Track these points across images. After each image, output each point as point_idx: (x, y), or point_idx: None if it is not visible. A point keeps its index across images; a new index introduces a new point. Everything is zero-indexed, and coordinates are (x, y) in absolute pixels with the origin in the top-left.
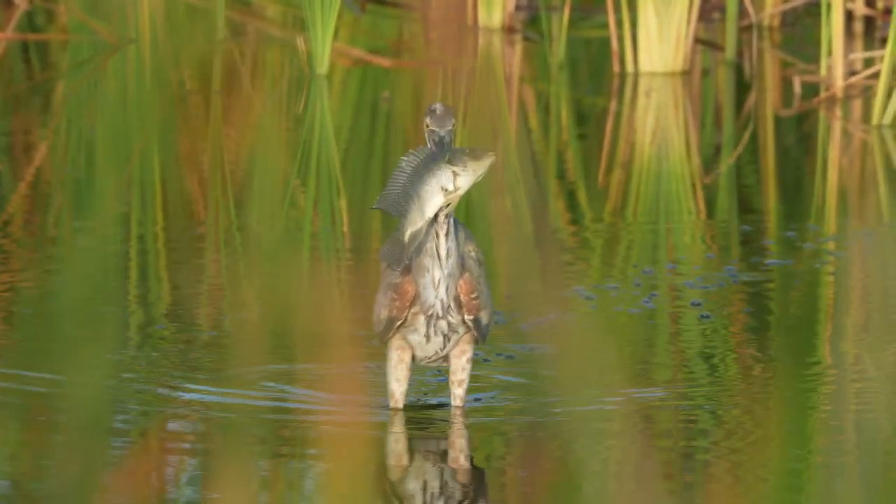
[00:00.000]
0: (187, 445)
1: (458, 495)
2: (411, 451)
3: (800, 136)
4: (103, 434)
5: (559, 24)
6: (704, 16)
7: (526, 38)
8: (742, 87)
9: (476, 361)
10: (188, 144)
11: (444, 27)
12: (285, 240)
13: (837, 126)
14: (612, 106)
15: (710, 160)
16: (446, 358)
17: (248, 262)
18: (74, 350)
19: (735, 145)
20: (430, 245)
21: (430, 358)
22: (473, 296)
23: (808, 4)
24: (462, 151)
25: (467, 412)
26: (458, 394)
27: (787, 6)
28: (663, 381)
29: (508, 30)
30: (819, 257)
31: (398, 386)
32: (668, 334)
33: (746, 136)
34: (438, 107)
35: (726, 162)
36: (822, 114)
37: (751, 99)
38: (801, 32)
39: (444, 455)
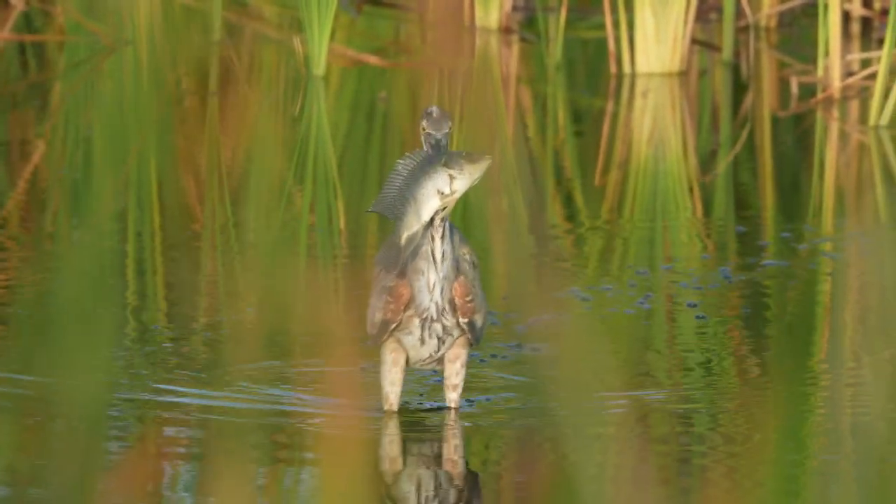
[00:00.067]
0: (181, 448)
1: (452, 498)
2: (406, 455)
3: (797, 137)
4: (98, 436)
5: (556, 25)
6: (701, 16)
7: (523, 39)
8: (739, 88)
9: (472, 362)
10: (185, 145)
11: (441, 28)
12: (282, 241)
13: (834, 127)
14: (609, 107)
15: (706, 161)
16: (440, 361)
17: (245, 263)
18: (69, 351)
19: (732, 146)
20: (426, 248)
21: (424, 361)
22: (468, 299)
23: (805, 5)
24: (458, 155)
25: (462, 415)
26: (452, 398)
27: (784, 7)
28: (659, 383)
29: (505, 30)
30: (815, 258)
31: (392, 389)
32: (664, 335)
33: (743, 136)
34: (435, 110)
35: (723, 163)
36: (819, 115)
37: (748, 100)
38: (798, 33)
39: (438, 458)
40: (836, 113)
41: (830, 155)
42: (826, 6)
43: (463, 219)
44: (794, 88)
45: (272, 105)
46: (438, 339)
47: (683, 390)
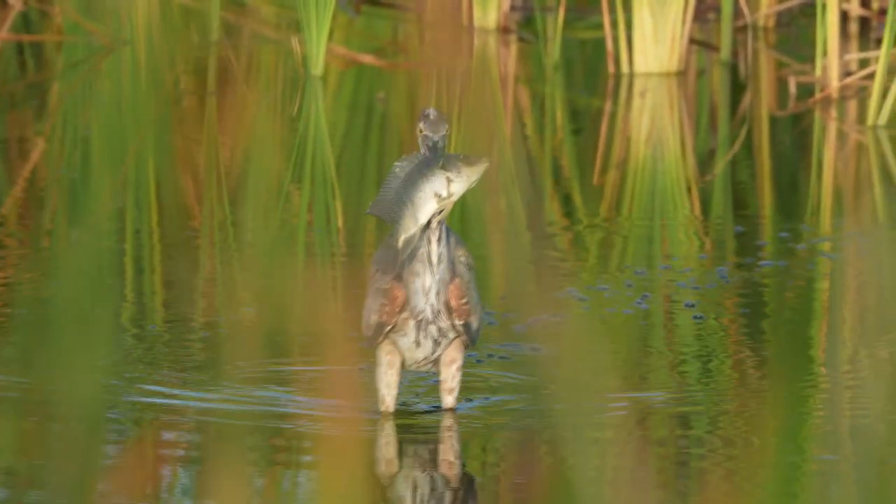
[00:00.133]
0: (178, 449)
1: (449, 501)
2: (403, 457)
3: (795, 137)
4: (96, 438)
5: (554, 25)
6: (699, 16)
7: (521, 39)
8: (737, 88)
9: (469, 362)
10: (183, 145)
11: (439, 28)
12: (280, 240)
13: (832, 127)
14: (607, 106)
15: (704, 161)
16: (436, 363)
17: (244, 263)
18: (66, 351)
19: (730, 146)
20: (422, 251)
21: (419, 362)
22: (464, 301)
23: (804, 5)
24: (456, 157)
25: (459, 416)
26: (448, 401)
27: (783, 7)
28: (657, 384)
29: (503, 30)
30: (813, 258)
31: (389, 392)
32: (661, 336)
33: (741, 136)
34: (432, 112)
35: (721, 162)
36: (817, 114)
37: (746, 99)
38: (796, 33)
39: (435, 460)
40: (834, 113)
41: (828, 155)
42: (824, 6)
43: (461, 219)
44: (793, 88)
45: (270, 105)
46: (434, 341)
47: (681, 391)
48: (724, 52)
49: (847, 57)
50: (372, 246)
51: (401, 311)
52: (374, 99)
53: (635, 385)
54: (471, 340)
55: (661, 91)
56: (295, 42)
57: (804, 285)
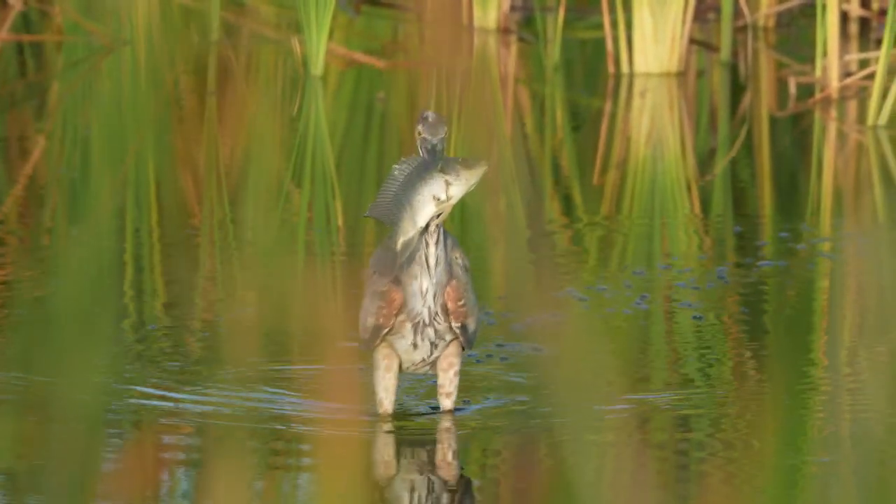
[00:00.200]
0: (177, 450)
1: (446, 503)
2: (401, 459)
3: (795, 137)
4: (95, 438)
5: (554, 25)
6: (699, 16)
7: (521, 39)
8: (737, 88)
9: (469, 362)
10: (183, 145)
11: (439, 28)
12: (280, 240)
13: (832, 127)
14: (607, 107)
15: (704, 161)
16: (433, 365)
17: (244, 262)
18: (66, 350)
19: (730, 146)
20: (420, 253)
21: (416, 364)
22: (461, 303)
23: (804, 5)
24: (455, 160)
25: (458, 418)
26: (446, 404)
27: (783, 7)
28: (657, 386)
29: (503, 30)
30: (813, 258)
31: (387, 395)
32: (661, 336)
33: (741, 136)
34: (430, 114)
35: (721, 163)
36: (817, 115)
37: (746, 100)
38: (796, 33)
39: (434, 463)
40: (834, 113)
41: (828, 155)
42: (824, 6)
43: (461, 219)
44: (792, 88)
45: (270, 105)
46: (431, 343)
47: (681, 392)
48: (724, 53)
49: (847, 57)
50: (371, 245)
51: (398, 314)
52: (374, 99)
53: (635, 386)
54: (468, 342)
55: (661, 91)
56: (295, 42)
57: (804, 285)
